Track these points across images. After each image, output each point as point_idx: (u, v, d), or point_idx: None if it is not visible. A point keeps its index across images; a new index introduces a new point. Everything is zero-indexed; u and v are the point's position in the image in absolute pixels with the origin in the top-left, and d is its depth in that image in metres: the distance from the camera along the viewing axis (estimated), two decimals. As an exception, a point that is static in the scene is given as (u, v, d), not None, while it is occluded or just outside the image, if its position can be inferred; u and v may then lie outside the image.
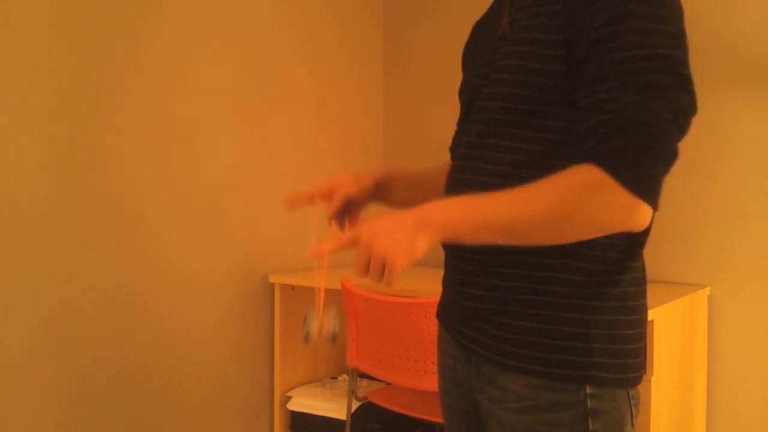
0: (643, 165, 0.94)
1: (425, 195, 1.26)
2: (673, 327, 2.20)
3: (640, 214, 0.96)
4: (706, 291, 2.45)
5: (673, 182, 2.53)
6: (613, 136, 0.95)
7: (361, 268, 0.99)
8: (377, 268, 0.98)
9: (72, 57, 2.17)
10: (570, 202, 0.96)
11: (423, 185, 1.35)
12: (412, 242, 0.97)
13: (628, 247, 1.09)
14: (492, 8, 1.28)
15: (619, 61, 0.96)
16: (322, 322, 1.16)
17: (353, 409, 2.50)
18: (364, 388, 2.64)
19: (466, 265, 1.15)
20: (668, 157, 0.96)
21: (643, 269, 1.14)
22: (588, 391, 1.05)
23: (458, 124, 1.29)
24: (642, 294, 1.13)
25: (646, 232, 1.11)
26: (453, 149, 1.30)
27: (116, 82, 2.28)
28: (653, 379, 2.02)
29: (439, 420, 2.17)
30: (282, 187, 2.81)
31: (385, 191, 1.32)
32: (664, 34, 0.97)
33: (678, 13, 1.01)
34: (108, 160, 2.27)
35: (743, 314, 2.42)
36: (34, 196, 2.10)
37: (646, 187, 0.95)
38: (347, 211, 1.27)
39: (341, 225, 1.27)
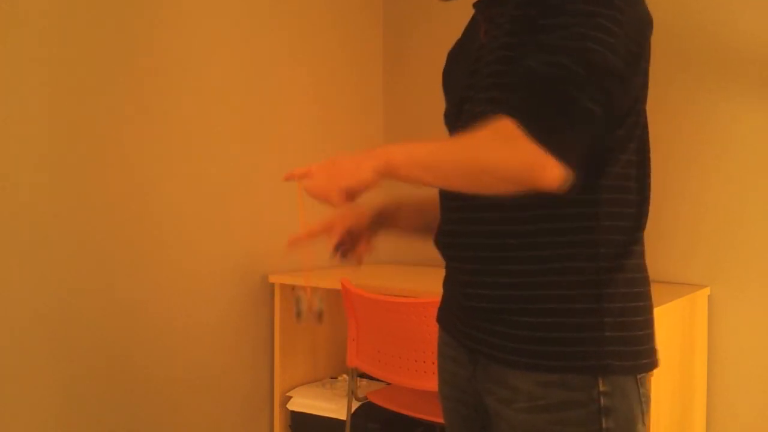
0: (548, 119, 0.96)
1: (431, 218, 1.30)
2: (673, 327, 2.20)
3: (547, 167, 0.94)
4: (706, 291, 2.45)
5: (672, 182, 2.54)
6: (523, 90, 0.98)
7: (311, 190, 1.03)
8: (325, 187, 1.01)
9: (72, 57, 2.17)
10: (481, 148, 0.97)
11: (428, 208, 1.36)
12: (356, 167, 0.99)
13: (630, 230, 1.10)
14: (465, 32, 1.31)
15: (547, 30, 1.00)
16: (310, 300, 1.22)
17: (353, 409, 2.50)
18: (364, 388, 2.64)
19: (470, 265, 1.15)
20: (578, 113, 0.97)
21: (644, 256, 1.15)
22: (601, 388, 1.06)
23: None
24: (646, 280, 1.14)
25: (644, 215, 1.13)
26: None
27: (116, 82, 2.28)
28: (653, 379, 2.01)
29: (439, 420, 2.17)
30: (282, 187, 2.81)
31: (392, 218, 1.35)
32: (603, 16, 0.99)
33: (631, 18, 1.02)
34: (108, 160, 2.27)
35: (743, 314, 2.42)
36: (34, 196, 2.10)
37: (552, 140, 0.94)
38: (350, 243, 1.29)
39: (345, 257, 1.28)
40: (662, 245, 2.54)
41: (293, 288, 2.77)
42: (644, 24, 1.06)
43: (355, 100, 3.17)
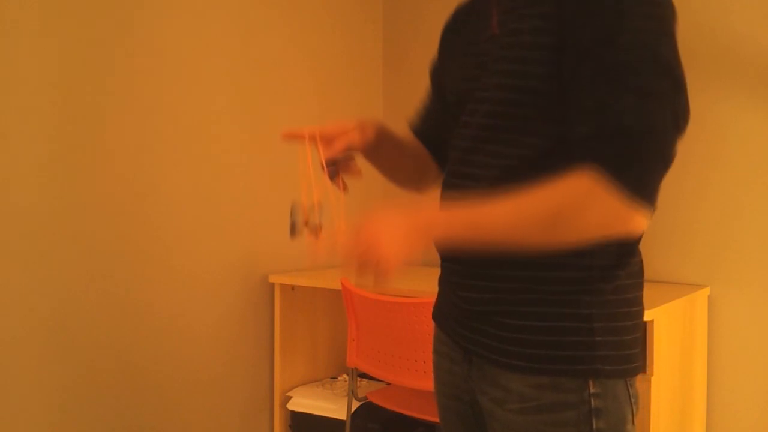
0: (642, 169, 0.95)
1: (402, 161, 1.33)
2: (673, 327, 2.20)
3: (638, 219, 0.96)
4: (706, 291, 2.45)
5: (672, 183, 2.53)
6: (612, 140, 0.95)
7: (357, 266, 1.00)
8: (373, 269, 0.99)
9: (74, 56, 2.17)
10: (569, 208, 0.96)
11: (404, 151, 1.34)
12: (409, 248, 1.00)
13: (625, 242, 1.10)
14: (472, 12, 1.25)
15: (617, 63, 0.96)
16: (307, 212, 1.10)
17: (353, 409, 2.50)
18: (364, 388, 2.64)
19: (463, 267, 1.15)
20: (667, 160, 0.97)
21: (640, 261, 1.15)
22: (591, 390, 1.06)
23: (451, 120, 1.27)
24: (639, 286, 1.14)
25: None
26: (421, 131, 1.32)
27: (117, 81, 2.28)
28: (653, 379, 2.02)
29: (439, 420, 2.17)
30: (282, 188, 2.81)
31: (377, 148, 1.28)
32: (660, 33, 0.97)
33: (672, 12, 1.01)
34: (108, 160, 2.27)
35: (743, 314, 2.42)
36: (35, 196, 2.10)
37: (645, 192, 0.95)
38: (342, 160, 1.23)
39: (334, 173, 1.21)
40: (662, 245, 2.53)
41: (293, 288, 2.78)
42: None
43: (355, 100, 3.17)
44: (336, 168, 1.21)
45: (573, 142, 0.99)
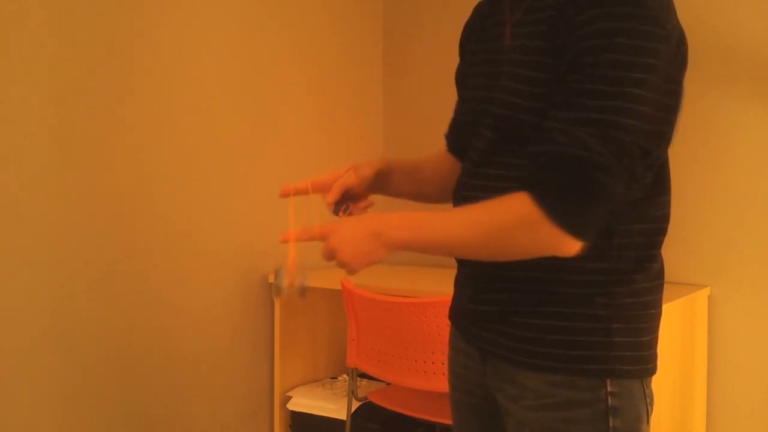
0: (573, 203, 0.98)
1: (421, 184, 1.35)
2: (673, 327, 2.20)
3: (568, 246, 1.00)
4: (706, 291, 2.45)
5: (673, 182, 2.53)
6: (550, 169, 0.98)
7: (326, 260, 1.13)
8: (346, 264, 1.09)
9: (74, 54, 2.17)
10: (501, 232, 1.02)
11: (419, 175, 1.37)
12: (369, 254, 1.08)
13: (645, 246, 1.11)
14: (487, 12, 1.24)
15: (582, 92, 0.97)
16: (292, 275, 1.21)
17: (353, 409, 2.50)
18: (364, 388, 2.64)
19: (480, 270, 1.16)
20: (604, 197, 0.98)
21: (660, 265, 1.16)
22: (609, 389, 1.07)
23: (457, 113, 1.31)
24: (658, 288, 1.15)
25: (663, 232, 1.15)
26: (451, 142, 1.34)
27: (118, 80, 2.28)
28: (653, 379, 2.02)
29: (439, 420, 2.17)
30: (282, 187, 2.81)
31: (385, 181, 1.31)
32: (639, 69, 0.96)
33: (667, 45, 0.99)
34: (107, 158, 2.27)
35: (743, 314, 2.42)
36: (35, 195, 2.10)
37: (575, 225, 0.98)
38: (347, 201, 1.28)
39: (346, 212, 1.28)
40: (662, 245, 2.53)
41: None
42: (680, 59, 1.04)
43: (354, 101, 3.17)
44: (347, 206, 1.29)
45: (528, 157, 1.02)
